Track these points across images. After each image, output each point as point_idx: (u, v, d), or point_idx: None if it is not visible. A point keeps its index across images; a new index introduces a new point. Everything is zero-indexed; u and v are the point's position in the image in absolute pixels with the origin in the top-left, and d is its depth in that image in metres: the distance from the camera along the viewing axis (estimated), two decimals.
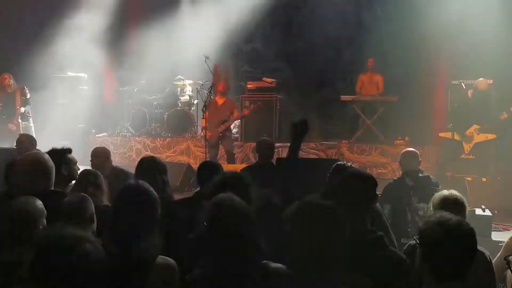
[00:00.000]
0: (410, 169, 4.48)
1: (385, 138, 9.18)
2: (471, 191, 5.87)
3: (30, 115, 8.56)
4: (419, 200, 4.22)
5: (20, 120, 8.31)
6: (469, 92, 7.60)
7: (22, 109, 8.33)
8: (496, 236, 4.96)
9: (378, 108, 9.30)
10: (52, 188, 3.25)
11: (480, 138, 7.20)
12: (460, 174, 7.26)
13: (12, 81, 8.39)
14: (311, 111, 10.63)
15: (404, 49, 9.68)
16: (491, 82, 7.72)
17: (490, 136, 7.34)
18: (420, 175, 4.42)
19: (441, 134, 7.99)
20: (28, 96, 8.44)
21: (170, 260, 2.49)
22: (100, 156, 4.96)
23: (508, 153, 7.65)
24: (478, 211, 5.01)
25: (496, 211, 5.64)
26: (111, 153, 5.40)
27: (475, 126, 7.13)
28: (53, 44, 9.83)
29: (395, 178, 4.76)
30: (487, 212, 5.04)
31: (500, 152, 7.77)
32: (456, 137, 7.33)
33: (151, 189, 2.60)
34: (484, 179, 6.46)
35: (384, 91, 9.54)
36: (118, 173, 4.82)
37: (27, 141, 5.50)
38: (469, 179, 6.19)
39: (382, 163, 8.88)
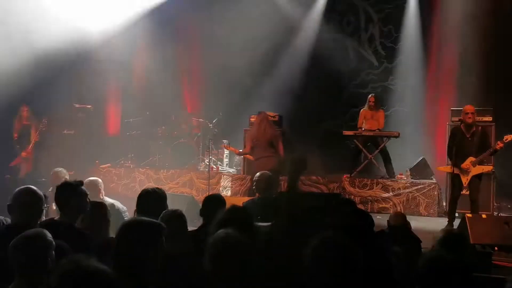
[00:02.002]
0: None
1: (386, 173, 9.27)
2: (471, 228, 5.91)
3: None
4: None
5: (32, 150, 8.82)
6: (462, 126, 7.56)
7: (37, 135, 8.84)
8: (496, 273, 4.99)
9: (379, 143, 9.39)
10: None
11: (476, 170, 7.21)
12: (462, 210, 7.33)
13: (29, 113, 8.95)
14: (313, 145, 10.77)
15: (404, 84, 9.94)
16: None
17: (486, 168, 7.39)
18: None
19: (440, 168, 8.03)
20: (45, 128, 8.92)
21: None
22: (91, 188, 5.08)
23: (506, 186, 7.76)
24: (478, 248, 5.05)
25: (496, 248, 5.67)
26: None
27: (470, 159, 7.19)
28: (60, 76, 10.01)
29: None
30: (487, 249, 5.08)
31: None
32: (456, 170, 7.38)
33: (153, 222, 2.68)
34: (484, 215, 6.50)
35: (386, 127, 9.64)
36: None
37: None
38: (469, 215, 6.23)
39: (383, 197, 8.93)
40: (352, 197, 8.60)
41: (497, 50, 9.21)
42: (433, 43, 10.43)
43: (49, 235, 2.73)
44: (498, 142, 7.04)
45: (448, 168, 7.53)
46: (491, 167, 7.58)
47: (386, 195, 8.92)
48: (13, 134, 8.94)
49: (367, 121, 9.65)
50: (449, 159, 7.52)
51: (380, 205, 8.84)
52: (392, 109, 10.57)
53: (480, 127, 7.27)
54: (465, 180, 7.15)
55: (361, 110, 9.89)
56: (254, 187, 5.85)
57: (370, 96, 9.75)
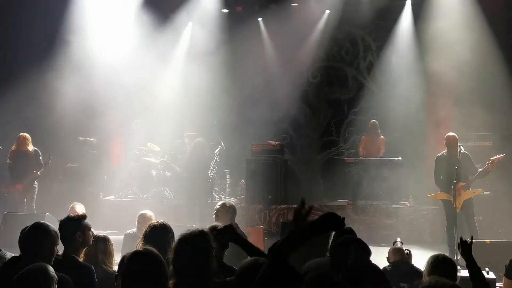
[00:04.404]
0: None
1: (389, 199, 9.24)
2: (474, 254, 5.86)
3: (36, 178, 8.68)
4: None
5: (30, 184, 8.51)
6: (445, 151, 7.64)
7: (38, 173, 8.53)
8: None
9: (381, 169, 9.38)
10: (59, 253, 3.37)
11: (467, 194, 7.24)
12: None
13: (29, 142, 8.59)
14: (315, 172, 10.81)
15: (406, 111, 10.01)
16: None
17: (477, 192, 7.40)
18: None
19: (430, 196, 7.98)
20: (40, 158, 8.62)
21: None
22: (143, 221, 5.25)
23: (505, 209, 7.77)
24: (482, 274, 5.00)
25: (501, 274, 5.62)
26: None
27: (460, 184, 7.21)
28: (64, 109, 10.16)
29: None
30: (491, 275, 5.04)
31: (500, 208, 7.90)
32: (445, 197, 7.41)
33: (158, 255, 2.72)
34: (487, 241, 6.47)
35: (388, 153, 9.64)
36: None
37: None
38: (473, 241, 6.18)
39: (386, 224, 8.89)
40: (356, 224, 8.56)
41: (494, 74, 9.27)
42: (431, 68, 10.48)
43: (51, 270, 2.76)
44: (488, 164, 7.11)
45: (439, 195, 7.56)
46: (481, 190, 7.57)
47: (389, 221, 8.89)
48: (8, 160, 8.66)
49: (368, 147, 9.70)
50: (438, 187, 7.59)
51: (384, 232, 8.77)
52: (394, 135, 10.56)
53: (461, 153, 7.28)
54: (457, 205, 7.17)
55: (362, 136, 9.97)
56: (214, 216, 5.23)
57: (370, 122, 9.84)
